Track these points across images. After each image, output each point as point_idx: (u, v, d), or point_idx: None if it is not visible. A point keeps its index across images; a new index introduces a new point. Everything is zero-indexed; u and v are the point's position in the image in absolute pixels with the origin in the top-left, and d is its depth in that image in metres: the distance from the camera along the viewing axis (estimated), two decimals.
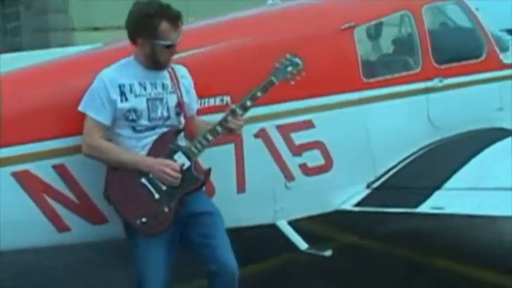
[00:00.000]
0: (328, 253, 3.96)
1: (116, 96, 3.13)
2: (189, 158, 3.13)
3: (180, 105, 3.24)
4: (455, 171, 4.07)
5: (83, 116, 3.17)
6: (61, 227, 3.28)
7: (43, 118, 3.24)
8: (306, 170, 4.04)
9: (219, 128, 3.15)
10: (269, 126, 3.86)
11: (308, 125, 4.00)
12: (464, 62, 5.00)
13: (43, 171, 3.20)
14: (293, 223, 4.03)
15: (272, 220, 3.98)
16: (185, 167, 3.11)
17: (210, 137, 3.15)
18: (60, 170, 3.24)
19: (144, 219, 3.06)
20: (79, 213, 3.31)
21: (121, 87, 3.15)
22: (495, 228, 5.43)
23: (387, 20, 4.66)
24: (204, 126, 3.24)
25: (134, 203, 3.08)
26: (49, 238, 3.29)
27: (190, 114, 3.31)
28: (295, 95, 3.90)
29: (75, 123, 3.21)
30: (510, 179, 3.68)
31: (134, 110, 3.14)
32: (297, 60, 3.23)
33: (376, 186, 4.33)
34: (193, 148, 3.14)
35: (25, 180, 3.17)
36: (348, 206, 4.21)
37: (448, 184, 3.92)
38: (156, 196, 3.08)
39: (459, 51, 5.06)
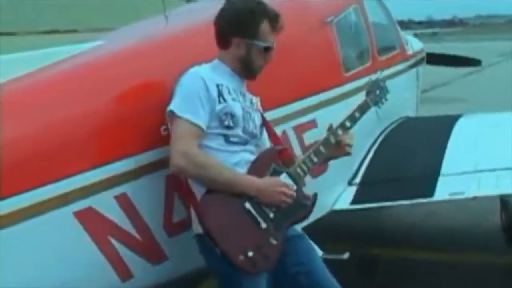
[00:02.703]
0: (346, 255, 3.75)
1: (215, 95, 2.56)
2: (295, 181, 2.67)
3: (266, 125, 2.81)
4: (438, 158, 4.14)
5: (148, 126, 2.54)
6: (124, 275, 2.55)
7: (98, 136, 2.48)
8: (313, 172, 3.77)
9: (322, 149, 2.79)
10: (288, 128, 3.51)
11: (313, 125, 3.75)
12: (389, 54, 5.18)
13: (105, 205, 2.45)
14: None
15: None
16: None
17: (315, 159, 2.76)
18: (122, 202, 2.51)
19: (250, 253, 2.49)
20: (142, 253, 2.60)
21: (219, 86, 2.59)
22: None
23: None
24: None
25: (236, 234, 2.51)
26: None
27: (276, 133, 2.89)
28: (299, 94, 3.64)
29: (135, 138, 2.55)
30: (507, 159, 3.88)
31: (232, 115, 2.59)
32: (381, 83, 3.10)
33: (358, 181, 4.24)
34: (298, 170, 2.70)
35: (89, 220, 2.38)
36: (344, 205, 4.04)
37: (445, 170, 3.98)
38: (263, 225, 2.55)
39: (385, 44, 5.22)
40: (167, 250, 2.71)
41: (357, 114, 2.97)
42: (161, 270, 2.71)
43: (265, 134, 2.81)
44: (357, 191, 4.12)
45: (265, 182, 2.56)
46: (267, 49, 2.68)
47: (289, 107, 3.50)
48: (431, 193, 3.83)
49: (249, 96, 2.77)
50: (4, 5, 6.08)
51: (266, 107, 3.10)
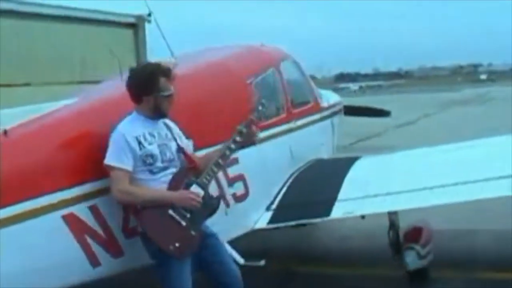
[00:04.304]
0: (262, 262, 4.87)
1: (135, 145, 3.67)
2: (202, 188, 3.78)
3: (180, 149, 3.89)
4: (336, 188, 5.34)
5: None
6: (94, 263, 3.65)
7: (77, 166, 3.64)
8: (237, 198, 4.92)
9: (220, 161, 3.90)
10: None
11: (236, 161, 4.89)
12: (303, 107, 6.44)
13: (82, 212, 3.58)
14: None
15: None
16: (200, 196, 3.75)
17: (215, 169, 3.88)
18: (94, 210, 3.64)
19: (177, 244, 3.61)
20: (106, 248, 3.72)
21: (137, 137, 3.70)
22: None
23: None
24: (207, 160, 3.94)
25: (166, 232, 3.62)
26: (86, 274, 3.62)
27: (190, 154, 3.98)
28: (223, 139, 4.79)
29: (102, 167, 3.69)
30: (390, 185, 5.14)
31: (151, 156, 3.71)
32: (263, 102, 4.23)
33: (274, 207, 5.40)
34: (204, 180, 3.81)
35: (71, 222, 3.51)
36: (263, 225, 5.19)
37: (341, 196, 5.18)
38: (183, 223, 3.67)
39: (299, 98, 6.49)
40: (124, 248, 3.83)
41: (244, 130, 3.99)
42: (119, 262, 3.82)
43: (182, 156, 3.90)
44: (273, 215, 5.29)
45: (180, 193, 3.71)
46: (169, 96, 3.80)
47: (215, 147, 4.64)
48: (328, 213, 5.03)
49: (164, 130, 3.85)
50: None
51: (198, 146, 4.26)
